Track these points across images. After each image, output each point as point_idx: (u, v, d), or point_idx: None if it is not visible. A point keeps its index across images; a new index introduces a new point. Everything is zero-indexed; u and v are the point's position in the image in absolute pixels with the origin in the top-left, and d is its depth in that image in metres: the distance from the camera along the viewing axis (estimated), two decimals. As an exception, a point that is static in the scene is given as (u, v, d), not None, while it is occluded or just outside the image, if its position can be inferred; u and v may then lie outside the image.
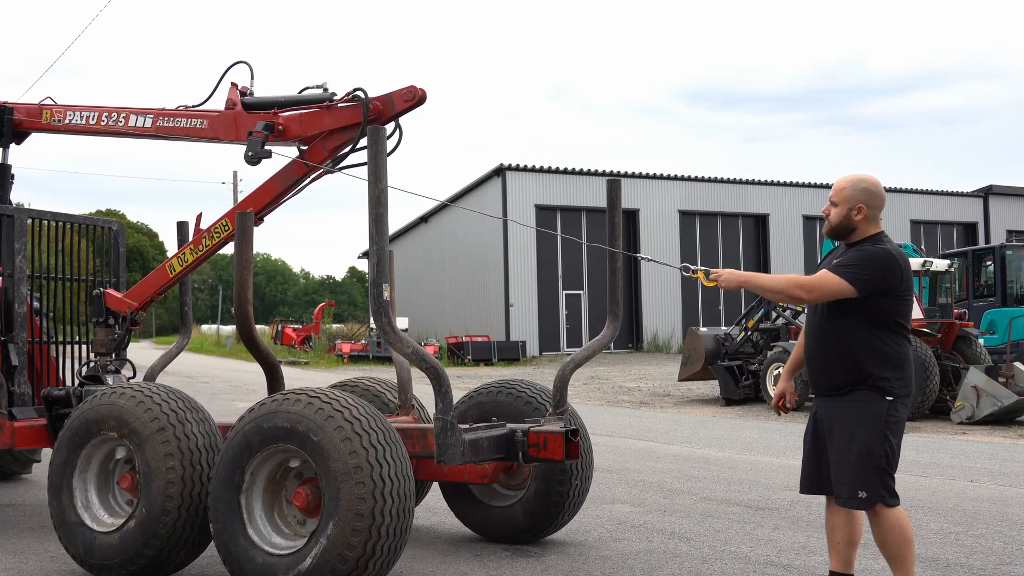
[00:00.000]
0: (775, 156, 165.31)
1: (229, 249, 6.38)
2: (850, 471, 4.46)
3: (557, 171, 36.84)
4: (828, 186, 40.70)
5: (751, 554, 6.12)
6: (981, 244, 36.90)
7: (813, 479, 4.74)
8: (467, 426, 5.59)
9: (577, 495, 6.29)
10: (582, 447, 5.96)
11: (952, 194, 43.92)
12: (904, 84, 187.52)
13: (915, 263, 15.77)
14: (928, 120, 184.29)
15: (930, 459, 10.71)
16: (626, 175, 36.67)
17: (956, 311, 16.29)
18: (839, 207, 4.66)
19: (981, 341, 15.94)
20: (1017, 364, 14.75)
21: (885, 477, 4.45)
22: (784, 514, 7.44)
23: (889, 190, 41.98)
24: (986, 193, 43.98)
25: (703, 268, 4.87)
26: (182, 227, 7.36)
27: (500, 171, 36.08)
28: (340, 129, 6.17)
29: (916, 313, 14.92)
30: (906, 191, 42.62)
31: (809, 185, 40.88)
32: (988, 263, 21.39)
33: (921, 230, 42.19)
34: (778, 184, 40.43)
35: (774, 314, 18.45)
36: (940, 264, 16.34)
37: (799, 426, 14.31)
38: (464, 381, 21.69)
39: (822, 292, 4.46)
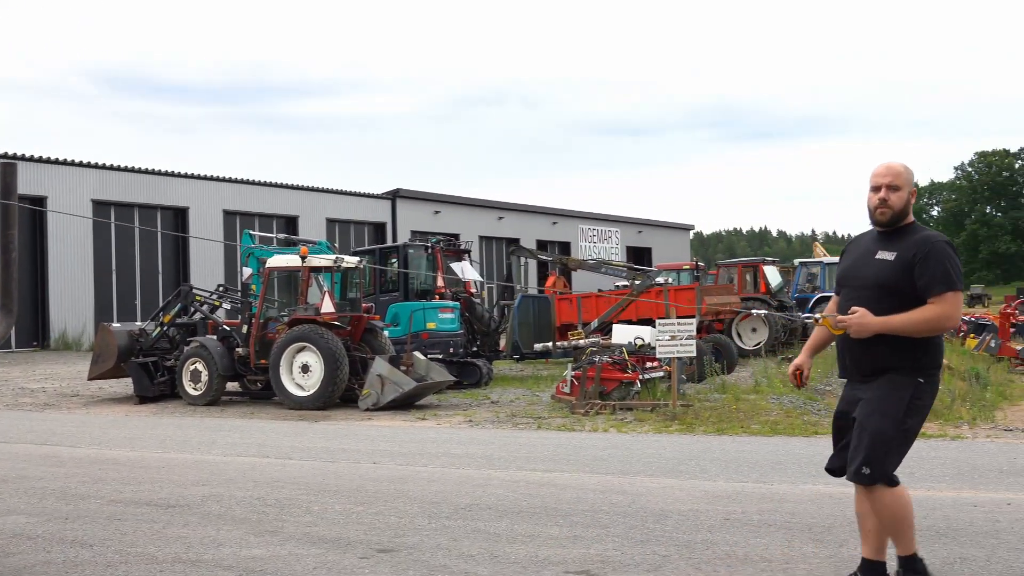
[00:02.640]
0: (198, 150, 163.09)
1: None
2: (862, 447, 4.37)
3: (-52, 150, 32.90)
4: (250, 182, 41.30)
5: (158, 554, 5.98)
6: (388, 243, 39.73)
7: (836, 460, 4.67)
8: None
9: (-40, 510, 5.66)
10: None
11: (364, 195, 46.78)
12: (323, 88, 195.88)
13: (327, 259, 16.53)
14: (347, 124, 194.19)
15: (338, 445, 11.30)
16: (30, 159, 33.82)
17: (364, 305, 17.35)
18: (901, 191, 4.40)
19: (386, 333, 17.16)
20: (416, 354, 16.16)
21: (893, 457, 4.39)
22: (195, 510, 7.37)
23: (307, 189, 43.64)
24: (394, 196, 47.50)
25: (828, 315, 4.49)
26: None
27: None
28: None
29: (328, 307, 15.66)
30: (323, 191, 44.53)
31: (231, 180, 40.98)
32: (393, 260, 23.07)
33: (336, 228, 44.32)
34: (200, 177, 40.00)
35: (192, 309, 18.22)
36: (351, 260, 17.28)
37: (215, 420, 14.27)
38: None
39: (957, 313, 4.36)
